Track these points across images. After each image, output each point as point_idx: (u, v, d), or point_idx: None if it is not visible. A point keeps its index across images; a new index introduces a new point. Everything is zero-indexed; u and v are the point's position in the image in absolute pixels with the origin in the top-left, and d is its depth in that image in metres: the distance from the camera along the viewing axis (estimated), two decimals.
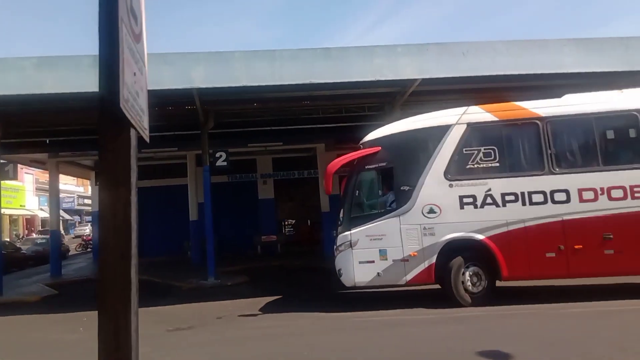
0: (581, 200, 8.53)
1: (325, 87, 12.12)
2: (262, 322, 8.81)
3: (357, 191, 9.19)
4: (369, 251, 8.71)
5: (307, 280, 13.63)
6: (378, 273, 8.68)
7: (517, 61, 11.74)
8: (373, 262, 8.68)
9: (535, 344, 6.10)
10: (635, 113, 8.73)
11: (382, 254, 8.69)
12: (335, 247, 9.08)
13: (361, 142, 9.53)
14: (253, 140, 18.04)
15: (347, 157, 9.32)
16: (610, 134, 8.84)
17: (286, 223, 22.25)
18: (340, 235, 8.97)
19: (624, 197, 8.48)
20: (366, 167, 9.19)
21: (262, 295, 11.25)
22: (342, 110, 15.45)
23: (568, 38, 12.26)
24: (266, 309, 9.84)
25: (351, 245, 8.76)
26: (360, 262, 8.70)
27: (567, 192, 8.58)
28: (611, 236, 8.39)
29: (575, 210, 8.52)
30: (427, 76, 11.72)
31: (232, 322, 8.88)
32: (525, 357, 5.55)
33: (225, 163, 15.09)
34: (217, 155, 15.07)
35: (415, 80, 11.99)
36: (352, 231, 8.83)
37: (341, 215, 9.14)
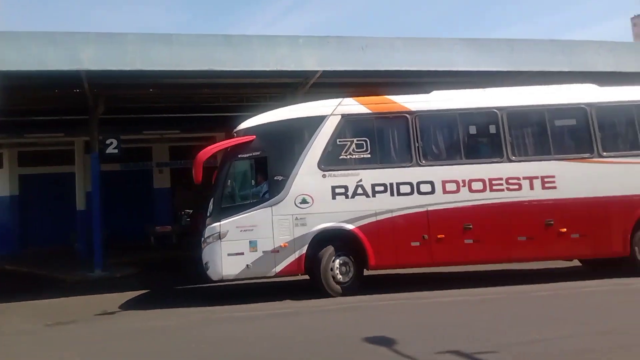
0: (444, 191, 8.90)
1: (227, 74, 11.85)
2: (148, 315, 8.55)
3: (229, 181, 9.03)
4: (239, 243, 8.59)
5: (197, 272, 13.35)
6: (247, 265, 8.59)
7: (413, 58, 11.99)
8: (242, 253, 8.58)
9: (418, 329, 6.32)
10: (495, 110, 9.21)
11: (253, 245, 8.61)
12: (202, 239, 8.89)
13: (235, 130, 9.38)
14: (149, 128, 17.26)
15: (219, 145, 9.16)
16: (472, 130, 9.29)
17: (183, 213, 21.65)
18: (208, 227, 8.77)
19: (484, 190, 8.95)
20: (239, 156, 9.04)
21: (151, 288, 10.93)
22: (244, 99, 15.20)
23: (459, 38, 12.83)
24: (153, 302, 9.56)
25: (220, 237, 8.60)
26: (229, 254, 8.56)
27: (432, 183, 8.92)
28: (471, 226, 8.84)
29: (438, 201, 8.88)
30: (328, 68, 11.70)
31: (116, 316, 8.57)
32: (410, 341, 5.68)
33: (116, 150, 14.37)
34: (108, 142, 14.31)
35: (316, 71, 11.96)
36: (221, 222, 8.66)
37: (211, 205, 8.95)
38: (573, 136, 9.47)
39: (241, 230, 8.62)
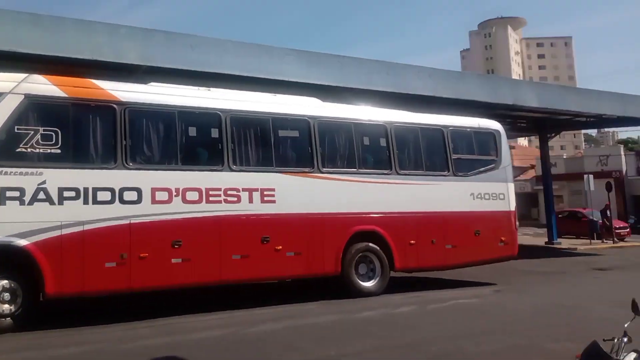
0: (153, 201, 7.60)
1: (33, 58, 9.59)
2: None
3: None
4: None
5: None
6: None
7: (244, 63, 11.43)
8: None
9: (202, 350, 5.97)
10: (218, 113, 8.30)
11: None
12: None
13: None
14: None
15: None
16: (192, 132, 8.24)
17: None
18: None
19: (199, 201, 7.94)
20: None
21: None
22: None
23: (291, 48, 12.62)
24: None
25: None
26: None
27: (138, 191, 7.52)
28: (181, 242, 7.69)
29: (145, 212, 7.53)
30: (152, 64, 10.57)
31: None
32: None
33: None
34: None
35: (139, 66, 10.60)
36: None
37: None
38: (296, 149, 9.15)
39: None
